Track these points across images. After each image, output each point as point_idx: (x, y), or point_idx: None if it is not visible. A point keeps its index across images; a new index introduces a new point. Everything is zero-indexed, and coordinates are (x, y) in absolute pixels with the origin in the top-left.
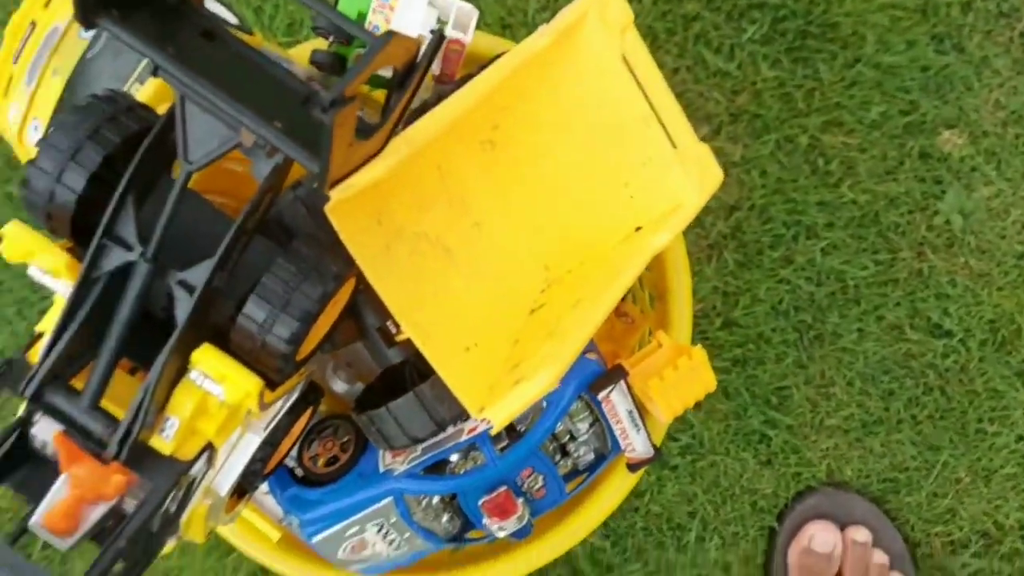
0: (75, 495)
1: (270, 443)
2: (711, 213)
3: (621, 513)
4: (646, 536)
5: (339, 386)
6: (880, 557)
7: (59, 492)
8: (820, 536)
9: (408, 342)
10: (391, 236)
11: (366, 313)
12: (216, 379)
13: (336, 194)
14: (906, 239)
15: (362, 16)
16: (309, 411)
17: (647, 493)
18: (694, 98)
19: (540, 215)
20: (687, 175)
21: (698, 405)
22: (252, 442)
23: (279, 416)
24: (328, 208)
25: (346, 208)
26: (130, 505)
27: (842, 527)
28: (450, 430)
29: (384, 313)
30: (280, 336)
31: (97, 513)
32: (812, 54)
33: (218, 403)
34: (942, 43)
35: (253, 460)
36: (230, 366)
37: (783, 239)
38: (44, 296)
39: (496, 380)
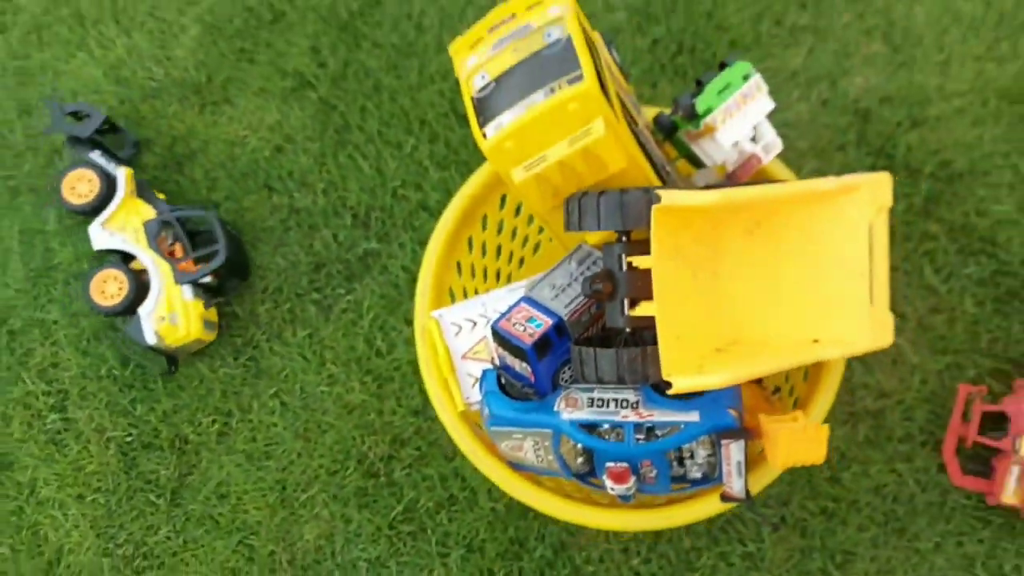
0: None
1: None
2: None
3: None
4: None
5: None
6: None
7: None
8: None
9: (636, 320)
10: (679, 250)
11: (622, 286)
12: None
13: (665, 200)
14: None
15: (709, 110)
16: None
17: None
18: (898, 287)
19: (759, 293)
20: (870, 327)
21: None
22: None
23: None
24: (656, 207)
25: (665, 211)
26: None
27: None
28: (613, 407)
29: (634, 291)
30: None
31: None
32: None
33: None
34: None
35: None
36: None
37: None
38: None
39: (688, 368)
